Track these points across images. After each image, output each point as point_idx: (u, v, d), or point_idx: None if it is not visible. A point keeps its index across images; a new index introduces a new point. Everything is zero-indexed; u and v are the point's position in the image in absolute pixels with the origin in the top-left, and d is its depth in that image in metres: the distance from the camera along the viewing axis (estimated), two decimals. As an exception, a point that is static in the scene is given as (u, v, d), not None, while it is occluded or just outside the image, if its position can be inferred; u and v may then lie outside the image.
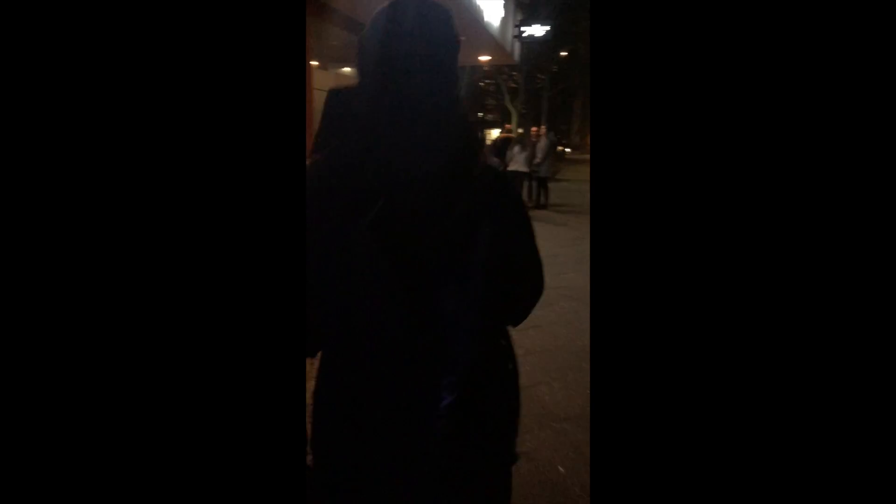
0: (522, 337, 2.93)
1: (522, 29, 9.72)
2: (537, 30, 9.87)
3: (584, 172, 15.22)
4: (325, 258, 0.70)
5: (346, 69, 5.86)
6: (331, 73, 5.58)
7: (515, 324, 0.85)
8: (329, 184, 0.71)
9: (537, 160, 8.26)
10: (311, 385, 0.78)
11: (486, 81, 23.25)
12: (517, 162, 8.05)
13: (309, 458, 0.79)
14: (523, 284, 0.83)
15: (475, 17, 6.02)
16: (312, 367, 0.75)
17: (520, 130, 17.36)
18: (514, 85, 19.95)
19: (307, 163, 0.73)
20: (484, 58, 9.07)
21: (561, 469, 1.92)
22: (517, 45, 9.89)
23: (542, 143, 8.41)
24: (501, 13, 7.64)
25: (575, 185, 12.76)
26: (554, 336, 3.20)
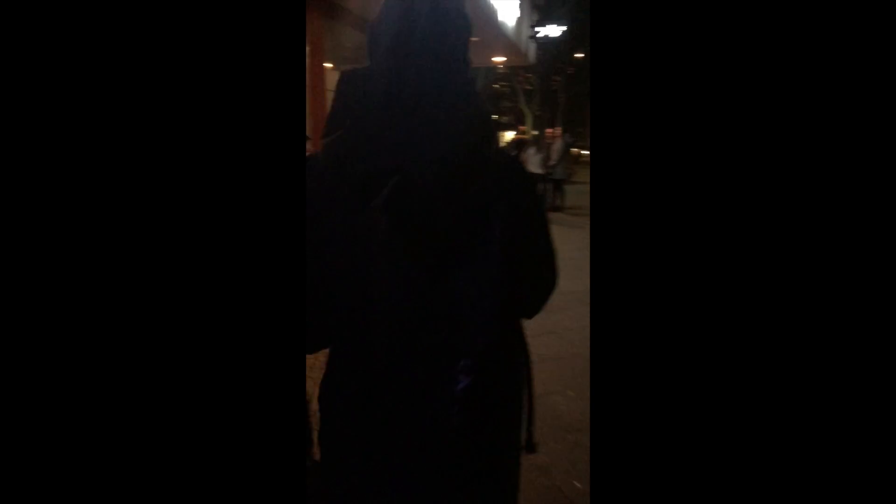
0: (537, 343, 2.84)
1: (538, 30, 9.63)
2: (553, 30, 9.79)
3: (600, 175, 14.95)
4: (338, 239, 0.70)
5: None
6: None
7: (530, 316, 0.84)
8: (342, 164, 0.71)
9: (552, 162, 8.19)
10: (311, 381, 0.76)
11: (501, 84, 23.12)
12: (532, 164, 7.97)
13: (315, 452, 0.79)
14: (538, 268, 0.82)
15: (490, 17, 5.96)
16: (315, 359, 0.71)
17: (535, 133, 17.26)
18: (529, 87, 19.78)
19: (316, 146, 0.74)
20: (499, 59, 9.01)
21: (577, 485, 1.82)
22: (532, 46, 9.80)
23: (558, 145, 8.36)
24: (517, 13, 7.57)
25: (591, 187, 12.61)
26: (569, 342, 3.11)
